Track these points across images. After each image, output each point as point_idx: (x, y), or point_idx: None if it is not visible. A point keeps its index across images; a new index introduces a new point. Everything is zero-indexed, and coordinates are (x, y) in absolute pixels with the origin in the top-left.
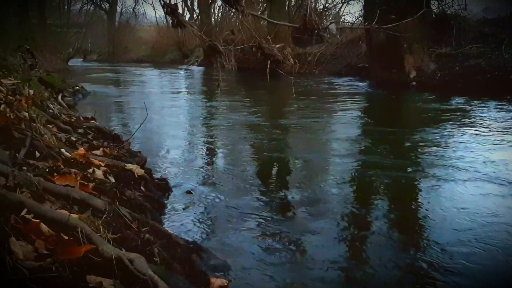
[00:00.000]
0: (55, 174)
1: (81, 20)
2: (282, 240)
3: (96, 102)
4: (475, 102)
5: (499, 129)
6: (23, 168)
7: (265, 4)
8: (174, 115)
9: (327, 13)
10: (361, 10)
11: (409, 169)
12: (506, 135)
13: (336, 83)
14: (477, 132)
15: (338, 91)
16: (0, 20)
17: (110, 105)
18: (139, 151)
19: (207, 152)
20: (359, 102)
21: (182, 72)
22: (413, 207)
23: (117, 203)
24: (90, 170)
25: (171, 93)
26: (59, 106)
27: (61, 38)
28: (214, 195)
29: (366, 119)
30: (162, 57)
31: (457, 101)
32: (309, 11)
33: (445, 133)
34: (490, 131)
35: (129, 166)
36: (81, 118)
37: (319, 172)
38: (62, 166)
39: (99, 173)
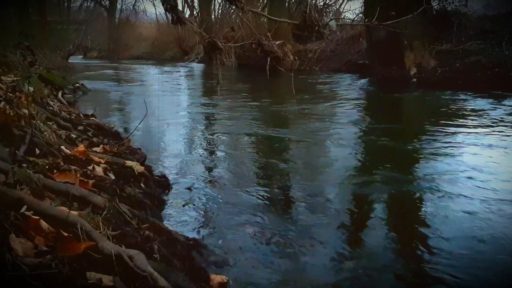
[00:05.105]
0: (55, 171)
1: (81, 17)
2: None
3: (96, 99)
4: (475, 98)
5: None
6: (23, 165)
7: (265, 1)
8: (173, 113)
9: (327, 10)
10: (361, 6)
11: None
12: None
13: (336, 80)
14: (478, 129)
15: (339, 88)
16: (0, 18)
17: (110, 102)
18: (139, 148)
19: (205, 150)
20: (360, 99)
21: (182, 69)
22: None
23: (117, 200)
24: (90, 167)
25: (171, 90)
26: (59, 103)
27: (61, 35)
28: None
29: (367, 117)
30: (162, 54)
31: (458, 98)
32: (309, 7)
33: (446, 130)
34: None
35: (129, 163)
36: (81, 115)
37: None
38: (62, 163)
39: (99, 170)
